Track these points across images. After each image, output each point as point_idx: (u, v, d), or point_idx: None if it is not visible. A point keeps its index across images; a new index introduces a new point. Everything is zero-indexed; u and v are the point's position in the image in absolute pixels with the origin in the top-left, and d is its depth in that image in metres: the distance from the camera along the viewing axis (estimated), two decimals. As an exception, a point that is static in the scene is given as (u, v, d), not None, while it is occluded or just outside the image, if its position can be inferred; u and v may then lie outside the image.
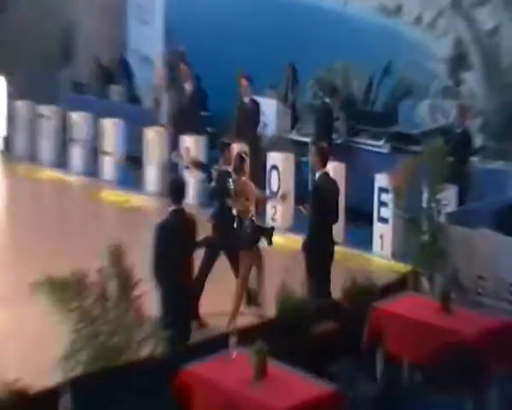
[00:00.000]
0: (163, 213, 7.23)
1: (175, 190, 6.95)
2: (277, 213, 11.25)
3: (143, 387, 5.74)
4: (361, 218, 10.61)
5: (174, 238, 6.73)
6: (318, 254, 7.91)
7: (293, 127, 13.01)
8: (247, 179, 8.37)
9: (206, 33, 14.98)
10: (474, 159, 10.69)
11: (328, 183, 8.17)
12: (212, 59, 14.44)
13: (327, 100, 11.96)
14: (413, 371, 6.87)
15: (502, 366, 6.57)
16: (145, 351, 5.89)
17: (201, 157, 12.26)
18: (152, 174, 12.76)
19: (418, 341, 6.57)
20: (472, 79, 12.14)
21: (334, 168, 10.14)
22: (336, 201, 8.23)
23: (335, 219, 8.26)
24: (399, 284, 7.91)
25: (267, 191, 11.27)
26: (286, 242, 10.45)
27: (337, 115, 12.10)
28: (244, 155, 8.48)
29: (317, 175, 8.16)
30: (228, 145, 9.02)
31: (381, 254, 10.15)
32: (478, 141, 11.33)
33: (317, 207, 8.00)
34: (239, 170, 8.29)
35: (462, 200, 9.87)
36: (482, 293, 7.67)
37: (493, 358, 6.40)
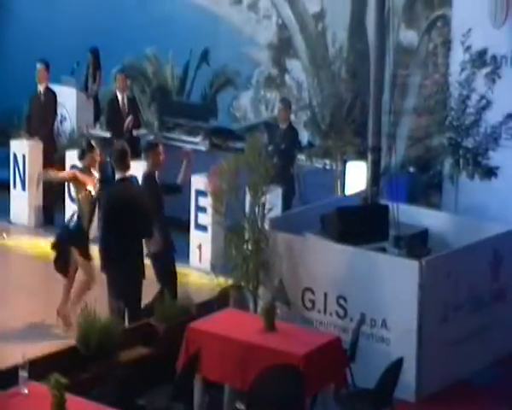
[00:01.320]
0: None
1: None
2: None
3: None
4: (179, 225, 10.69)
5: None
6: (123, 271, 7.84)
7: (96, 121, 12.91)
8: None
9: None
10: (301, 157, 11.12)
11: (128, 190, 7.99)
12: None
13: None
14: (234, 398, 7.05)
15: (330, 385, 6.92)
16: None
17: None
18: None
19: (239, 363, 6.75)
20: (298, 69, 12.61)
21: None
22: (142, 210, 8.00)
23: (145, 231, 8.11)
24: (219, 301, 8.08)
25: (67, 196, 11.14)
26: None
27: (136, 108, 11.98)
28: (93, 143, 8.87)
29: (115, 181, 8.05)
30: (155, 146, 8.75)
31: (199, 267, 10.31)
32: (304, 137, 11.80)
33: (108, 220, 7.89)
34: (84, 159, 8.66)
35: (287, 204, 10.24)
36: (310, 307, 7.99)
37: (321, 377, 6.72)
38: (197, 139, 12.19)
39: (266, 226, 8.31)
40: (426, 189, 10.88)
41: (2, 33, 14.23)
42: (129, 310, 7.86)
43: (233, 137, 12.09)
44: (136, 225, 7.90)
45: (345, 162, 10.71)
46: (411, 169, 11.18)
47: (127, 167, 8.05)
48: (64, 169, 11.19)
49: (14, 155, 11.53)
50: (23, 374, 5.81)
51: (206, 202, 10.18)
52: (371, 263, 7.77)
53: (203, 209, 10.35)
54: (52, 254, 8.85)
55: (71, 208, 10.95)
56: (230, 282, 8.32)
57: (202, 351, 6.88)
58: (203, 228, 10.38)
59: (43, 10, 14.33)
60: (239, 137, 11.91)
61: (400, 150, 11.21)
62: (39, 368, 6.03)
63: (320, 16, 12.40)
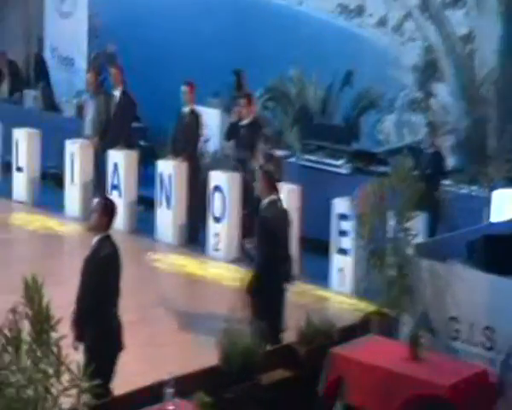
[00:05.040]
0: (86, 240, 7.19)
1: None
2: (221, 242, 11.29)
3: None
4: (319, 249, 10.70)
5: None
6: (267, 295, 7.90)
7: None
8: None
9: (139, 32, 15.00)
10: (447, 183, 10.92)
11: (277, 212, 8.12)
12: (145, 62, 14.46)
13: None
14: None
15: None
16: (65, 404, 5.84)
17: (134, 175, 12.30)
18: (75, 195, 12.68)
19: (383, 391, 6.67)
20: (444, 92, 12.41)
21: (288, 192, 10.24)
22: (286, 233, 8.15)
23: (286, 255, 8.20)
24: (362, 326, 8.02)
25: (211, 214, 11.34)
26: (231, 275, 10.52)
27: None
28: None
29: (263, 203, 8.16)
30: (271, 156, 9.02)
31: (341, 291, 10.27)
32: (450, 162, 11.59)
33: (263, 241, 7.99)
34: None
35: (432, 229, 10.06)
36: (455, 336, 7.81)
37: (468, 410, 6.56)
38: (339, 162, 12.16)
39: (410, 252, 8.19)
40: None
41: (152, 55, 14.67)
42: (271, 332, 7.89)
43: (375, 161, 11.99)
44: (284, 247, 7.97)
45: (491, 189, 10.45)
46: None
47: (274, 190, 8.17)
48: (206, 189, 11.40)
49: (161, 175, 11.87)
50: (169, 391, 5.93)
51: (348, 225, 10.16)
52: (521, 294, 7.52)
53: (345, 233, 10.32)
54: None
55: (215, 227, 11.22)
56: (372, 307, 8.25)
57: (345, 377, 6.84)
58: (344, 252, 10.34)
59: (188, 34, 14.71)
60: (381, 161, 11.81)
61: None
62: (184, 386, 6.14)
63: (468, 38, 12.18)
